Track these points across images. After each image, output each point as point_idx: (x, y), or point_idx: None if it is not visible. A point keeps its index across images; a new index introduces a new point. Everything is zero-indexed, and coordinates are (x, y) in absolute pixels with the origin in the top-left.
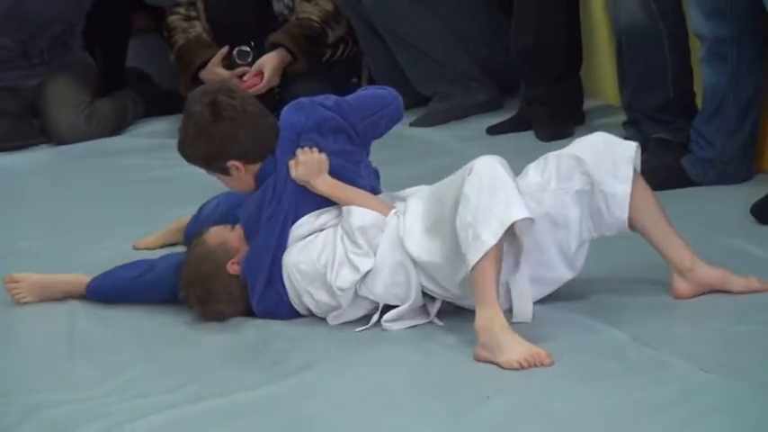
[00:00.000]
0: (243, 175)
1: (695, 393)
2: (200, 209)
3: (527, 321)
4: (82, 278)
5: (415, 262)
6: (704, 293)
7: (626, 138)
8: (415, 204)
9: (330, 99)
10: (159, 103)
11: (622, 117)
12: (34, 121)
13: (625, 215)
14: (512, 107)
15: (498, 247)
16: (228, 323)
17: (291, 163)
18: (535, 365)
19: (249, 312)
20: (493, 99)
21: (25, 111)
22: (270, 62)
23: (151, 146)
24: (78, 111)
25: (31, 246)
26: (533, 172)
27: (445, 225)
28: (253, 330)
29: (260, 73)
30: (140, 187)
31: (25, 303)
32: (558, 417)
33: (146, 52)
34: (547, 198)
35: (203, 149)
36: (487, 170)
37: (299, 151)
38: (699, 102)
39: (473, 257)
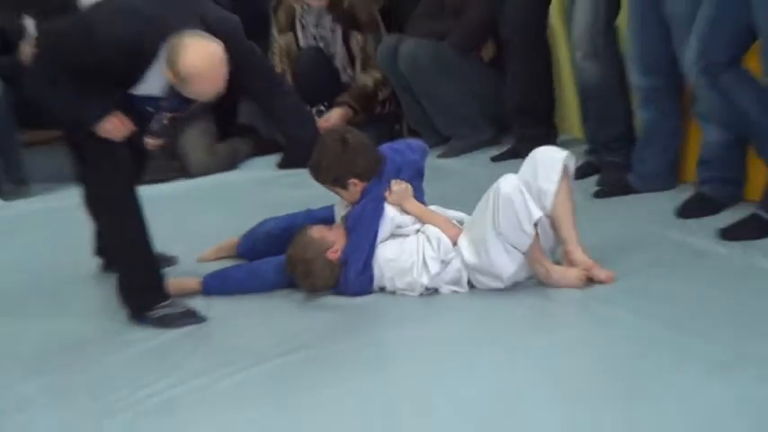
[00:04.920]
0: (357, 190)
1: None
2: (253, 229)
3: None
4: (194, 281)
5: (467, 265)
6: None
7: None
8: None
9: (418, 145)
10: (262, 146)
11: (584, 146)
12: (173, 161)
13: (548, 207)
14: (506, 142)
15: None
16: (320, 301)
17: (387, 192)
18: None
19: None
20: (493, 138)
21: (166, 153)
22: (336, 114)
23: (258, 178)
24: (204, 150)
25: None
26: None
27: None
28: (341, 305)
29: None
30: (251, 207)
31: None
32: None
33: (254, 111)
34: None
35: (335, 171)
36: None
37: (393, 182)
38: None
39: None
